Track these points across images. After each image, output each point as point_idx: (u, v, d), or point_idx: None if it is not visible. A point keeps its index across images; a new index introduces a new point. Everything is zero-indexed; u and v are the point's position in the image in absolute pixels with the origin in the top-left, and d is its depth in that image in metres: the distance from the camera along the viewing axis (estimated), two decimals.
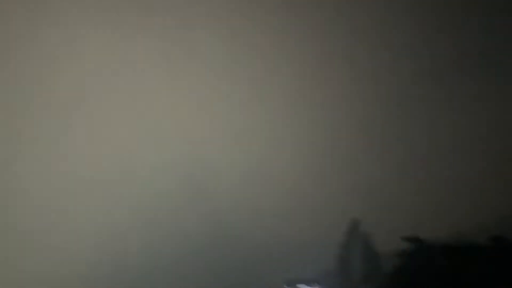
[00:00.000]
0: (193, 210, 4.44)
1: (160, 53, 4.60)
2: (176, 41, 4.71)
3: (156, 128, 4.62)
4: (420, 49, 5.11)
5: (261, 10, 4.95)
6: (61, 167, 4.56)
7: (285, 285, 2.50)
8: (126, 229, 4.44)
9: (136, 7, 5.02)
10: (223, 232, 4.53)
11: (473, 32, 5.33)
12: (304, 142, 4.65)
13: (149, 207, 4.46)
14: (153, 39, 4.73)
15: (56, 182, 4.56)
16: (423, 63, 4.86)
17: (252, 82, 4.75)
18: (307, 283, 2.52)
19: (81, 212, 4.49)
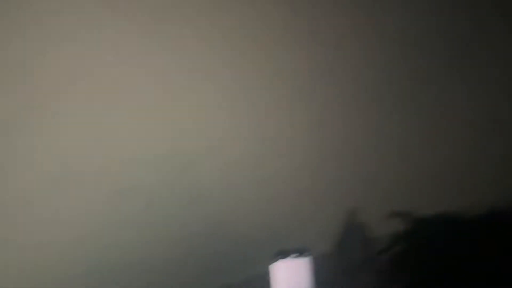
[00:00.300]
0: (187, 203, 3.75)
1: (152, 48, 3.93)
2: (169, 36, 4.03)
3: (149, 123, 3.93)
4: (417, 48, 4.59)
5: (264, 7, 4.34)
6: (53, 162, 3.79)
7: (276, 255, 2.06)
8: (116, 223, 3.70)
9: (136, 8, 4.31)
10: (221, 223, 3.84)
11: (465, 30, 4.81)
12: (302, 132, 4.04)
13: (141, 201, 3.75)
14: (144, 37, 4.05)
15: (46, 177, 3.77)
16: (419, 63, 4.36)
17: (250, 78, 4.12)
18: (299, 253, 2.09)
19: (71, 207, 3.71)
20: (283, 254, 1.19)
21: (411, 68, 5.06)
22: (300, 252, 1.19)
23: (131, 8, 4.67)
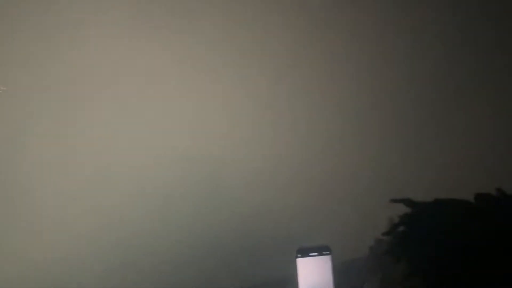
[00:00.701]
0: (204, 200, 3.75)
1: (165, 44, 3.90)
2: (184, 32, 4.03)
3: (179, 125, 3.93)
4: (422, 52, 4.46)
5: (273, 7, 4.32)
6: (68, 162, 3.82)
7: (298, 254, 2.06)
8: (142, 222, 3.74)
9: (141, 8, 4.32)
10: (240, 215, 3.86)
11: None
12: (322, 138, 3.95)
13: (161, 201, 3.76)
14: (157, 31, 4.03)
15: (60, 177, 3.81)
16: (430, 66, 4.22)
17: (263, 77, 4.08)
18: (319, 252, 2.08)
19: (87, 207, 3.74)
20: (304, 252, 1.24)
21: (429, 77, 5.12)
22: (321, 250, 1.24)
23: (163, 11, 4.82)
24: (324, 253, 1.21)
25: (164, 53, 5.17)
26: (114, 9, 4.87)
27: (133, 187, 5.02)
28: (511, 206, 0.98)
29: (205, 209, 4.93)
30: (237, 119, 5.24)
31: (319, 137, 5.03)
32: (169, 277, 4.32)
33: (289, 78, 4.96)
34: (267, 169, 5.10)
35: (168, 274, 4.38)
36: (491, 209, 0.97)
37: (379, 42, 4.71)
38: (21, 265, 4.39)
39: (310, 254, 1.20)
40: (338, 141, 5.25)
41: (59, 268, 4.37)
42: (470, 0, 4.53)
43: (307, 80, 5.26)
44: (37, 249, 4.53)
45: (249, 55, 5.31)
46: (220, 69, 5.15)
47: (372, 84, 5.01)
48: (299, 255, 1.19)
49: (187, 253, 4.63)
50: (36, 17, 4.74)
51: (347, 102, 5.34)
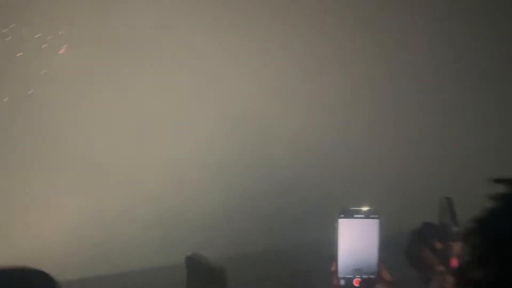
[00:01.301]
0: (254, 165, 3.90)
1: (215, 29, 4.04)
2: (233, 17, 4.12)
3: (227, 92, 4.04)
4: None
5: None
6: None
7: (340, 214, 2.00)
8: (187, 183, 3.90)
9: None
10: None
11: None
12: (361, 103, 3.95)
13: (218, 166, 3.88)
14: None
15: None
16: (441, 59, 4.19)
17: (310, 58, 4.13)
18: (365, 214, 1.99)
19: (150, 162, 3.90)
20: (348, 213, 1.11)
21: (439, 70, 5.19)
22: (368, 213, 1.10)
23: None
24: (371, 216, 1.06)
25: (243, 37, 5.25)
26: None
27: (190, 149, 5.13)
28: None
29: (256, 174, 5.00)
30: (283, 93, 5.27)
31: (368, 106, 4.92)
32: (216, 235, 4.36)
33: (331, 60, 4.90)
34: (312, 137, 5.05)
35: (215, 232, 4.44)
36: None
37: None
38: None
39: (355, 215, 1.06)
40: (380, 112, 5.13)
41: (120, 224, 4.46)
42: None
43: (339, 61, 5.17)
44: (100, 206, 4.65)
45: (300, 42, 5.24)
46: (265, 50, 5.12)
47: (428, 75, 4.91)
48: (341, 216, 1.05)
49: (232, 214, 4.68)
50: None
51: (384, 82, 5.25)
